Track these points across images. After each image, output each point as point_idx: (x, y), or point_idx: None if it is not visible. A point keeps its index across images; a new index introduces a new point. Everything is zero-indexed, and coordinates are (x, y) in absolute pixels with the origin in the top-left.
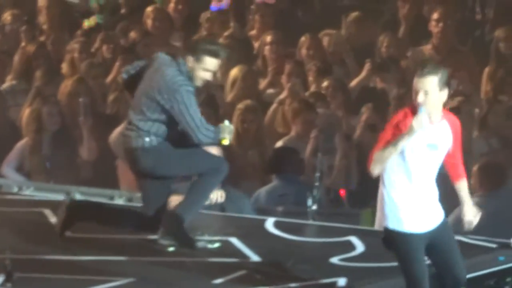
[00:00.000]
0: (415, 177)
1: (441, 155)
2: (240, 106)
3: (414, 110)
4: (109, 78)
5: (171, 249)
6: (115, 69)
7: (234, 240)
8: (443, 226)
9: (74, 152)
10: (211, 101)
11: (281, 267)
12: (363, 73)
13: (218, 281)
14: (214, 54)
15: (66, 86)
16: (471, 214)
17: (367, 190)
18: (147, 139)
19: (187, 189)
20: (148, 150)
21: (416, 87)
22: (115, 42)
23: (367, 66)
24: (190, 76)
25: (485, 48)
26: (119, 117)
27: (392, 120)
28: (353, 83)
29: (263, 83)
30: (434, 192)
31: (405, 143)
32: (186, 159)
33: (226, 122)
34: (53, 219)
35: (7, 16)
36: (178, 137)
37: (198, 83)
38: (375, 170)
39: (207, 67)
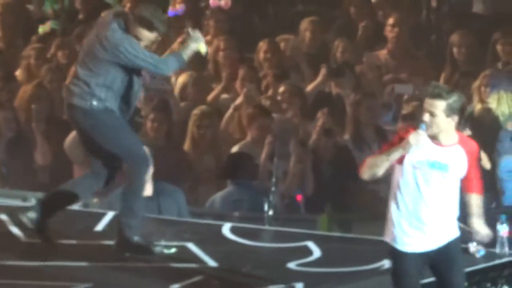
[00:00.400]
0: (416, 196)
1: (453, 178)
2: (196, 111)
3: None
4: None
5: (128, 254)
6: (70, 74)
7: (191, 246)
8: (451, 244)
9: (30, 158)
10: (164, 106)
11: (238, 272)
12: (319, 78)
13: (175, 286)
14: (146, 26)
15: (25, 91)
16: (481, 228)
17: (323, 196)
18: (89, 102)
19: (120, 196)
20: (89, 113)
21: (424, 106)
22: (70, 47)
23: (322, 71)
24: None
25: (440, 53)
26: None
27: (398, 134)
28: (309, 88)
29: (216, 89)
30: (446, 214)
31: (398, 155)
32: (118, 139)
33: (190, 31)
34: (10, 225)
35: None
36: (126, 87)
37: None
38: (364, 174)
39: (138, 35)
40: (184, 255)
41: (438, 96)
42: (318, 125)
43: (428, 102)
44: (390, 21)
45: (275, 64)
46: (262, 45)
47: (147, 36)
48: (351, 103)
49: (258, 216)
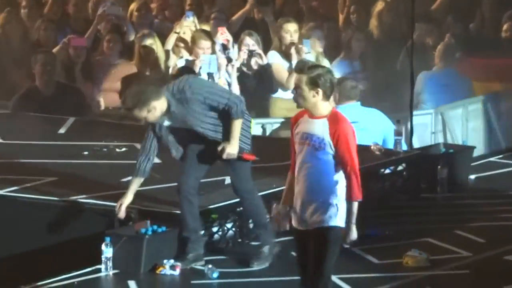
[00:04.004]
0: (297, 168)
1: (321, 150)
2: (139, 34)
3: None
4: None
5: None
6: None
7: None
8: (319, 234)
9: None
10: (118, 29)
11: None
12: (247, 6)
13: (127, 179)
14: None
15: None
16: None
17: (248, 103)
18: None
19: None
20: None
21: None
22: None
23: (250, 1)
24: None
25: None
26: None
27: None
28: (238, 14)
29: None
30: (320, 191)
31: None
32: None
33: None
34: None
35: None
36: None
37: None
38: None
39: None
40: (134, 153)
41: (300, 70)
42: (244, 45)
43: (295, 77)
44: None
45: None
46: None
47: None
48: (273, 26)
49: None
